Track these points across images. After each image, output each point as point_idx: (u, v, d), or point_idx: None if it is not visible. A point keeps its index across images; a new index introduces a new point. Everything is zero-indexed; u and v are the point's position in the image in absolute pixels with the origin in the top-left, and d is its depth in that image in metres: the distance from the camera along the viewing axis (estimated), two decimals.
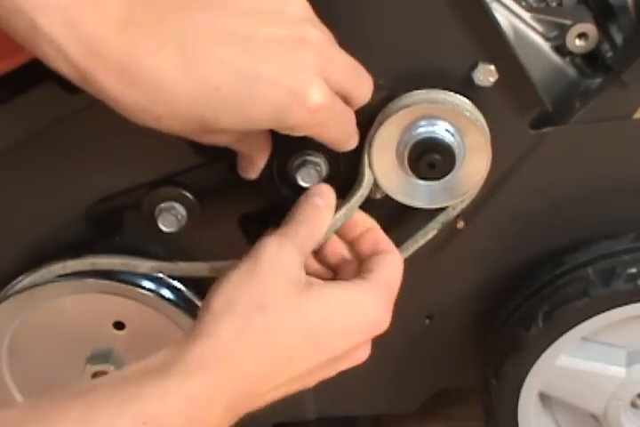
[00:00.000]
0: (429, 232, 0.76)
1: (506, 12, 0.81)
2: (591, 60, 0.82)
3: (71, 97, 0.70)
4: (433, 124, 0.71)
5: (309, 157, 0.72)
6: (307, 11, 0.61)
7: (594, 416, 0.87)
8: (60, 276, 0.79)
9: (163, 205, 0.77)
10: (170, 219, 0.77)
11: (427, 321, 0.87)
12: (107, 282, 0.79)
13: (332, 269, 0.68)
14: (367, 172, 0.72)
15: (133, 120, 0.59)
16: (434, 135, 0.71)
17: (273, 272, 0.60)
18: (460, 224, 0.80)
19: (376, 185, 0.73)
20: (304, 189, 0.68)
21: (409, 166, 0.72)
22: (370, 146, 0.72)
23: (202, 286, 0.70)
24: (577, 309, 0.80)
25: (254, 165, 0.68)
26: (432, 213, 0.75)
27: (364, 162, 0.72)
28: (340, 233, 0.68)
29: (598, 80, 0.80)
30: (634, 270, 0.80)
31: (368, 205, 0.71)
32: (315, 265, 0.67)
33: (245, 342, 0.57)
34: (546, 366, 0.83)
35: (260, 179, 0.70)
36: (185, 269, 0.74)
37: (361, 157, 0.72)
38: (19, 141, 0.76)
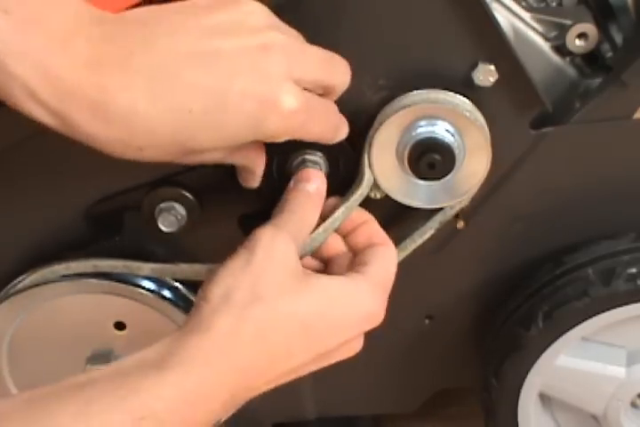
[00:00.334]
0: (427, 232, 0.76)
1: (506, 12, 0.81)
2: (591, 60, 0.82)
3: None
4: (433, 125, 0.71)
5: (308, 156, 0.72)
6: (267, 18, 0.62)
7: (594, 416, 0.87)
8: (62, 276, 0.79)
9: (162, 206, 0.77)
10: (170, 219, 0.77)
11: (427, 321, 0.87)
12: (108, 282, 0.79)
13: (325, 261, 0.68)
14: (367, 171, 0.72)
15: (116, 156, 0.60)
16: (434, 135, 0.71)
17: (268, 263, 0.60)
18: (460, 224, 0.80)
19: (376, 185, 0.73)
20: None
21: (409, 166, 0.72)
22: (370, 146, 0.72)
23: None
24: (577, 309, 0.80)
25: (253, 175, 0.69)
26: (430, 213, 0.75)
27: (364, 162, 0.72)
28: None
29: (598, 80, 0.80)
30: (634, 270, 0.80)
31: (367, 205, 0.71)
32: (307, 258, 0.67)
33: (242, 335, 0.57)
34: (546, 366, 0.83)
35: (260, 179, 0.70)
36: (186, 271, 0.74)
37: (361, 157, 0.72)
38: (19, 141, 0.76)
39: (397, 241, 0.73)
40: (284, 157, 0.72)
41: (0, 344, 0.83)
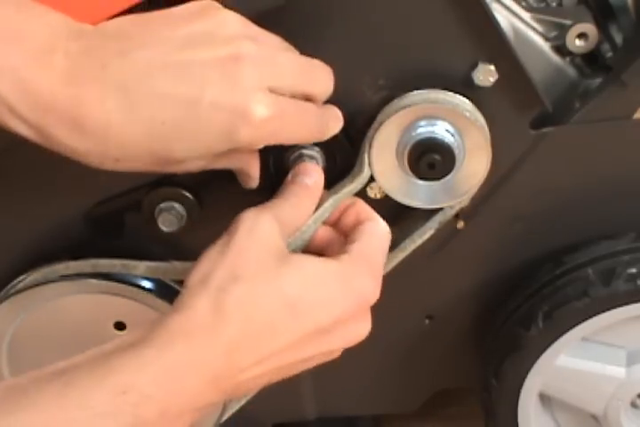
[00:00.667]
0: (427, 232, 0.76)
1: (506, 12, 0.81)
2: (591, 60, 0.82)
3: None
4: (433, 125, 0.71)
5: (305, 151, 0.71)
6: (241, 27, 0.62)
7: (594, 416, 0.87)
8: (62, 276, 0.79)
9: (162, 205, 0.77)
10: (170, 219, 0.77)
11: (427, 321, 0.87)
12: (108, 282, 0.79)
13: (321, 253, 0.67)
14: (366, 169, 0.72)
15: (93, 166, 0.61)
16: (434, 135, 0.71)
17: (248, 242, 0.60)
18: (460, 224, 0.80)
19: (376, 185, 0.73)
20: None
21: (409, 166, 0.72)
22: (370, 146, 0.72)
23: None
24: (577, 309, 0.80)
25: (250, 177, 0.69)
26: (430, 213, 0.75)
27: (364, 161, 0.72)
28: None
29: (598, 80, 0.80)
30: (634, 270, 0.80)
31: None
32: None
33: (222, 313, 0.57)
34: (546, 366, 0.83)
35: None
36: (179, 270, 0.74)
37: (360, 156, 0.72)
38: (19, 141, 0.76)
39: (397, 241, 0.74)
40: (281, 152, 0.72)
41: (0, 344, 0.83)
